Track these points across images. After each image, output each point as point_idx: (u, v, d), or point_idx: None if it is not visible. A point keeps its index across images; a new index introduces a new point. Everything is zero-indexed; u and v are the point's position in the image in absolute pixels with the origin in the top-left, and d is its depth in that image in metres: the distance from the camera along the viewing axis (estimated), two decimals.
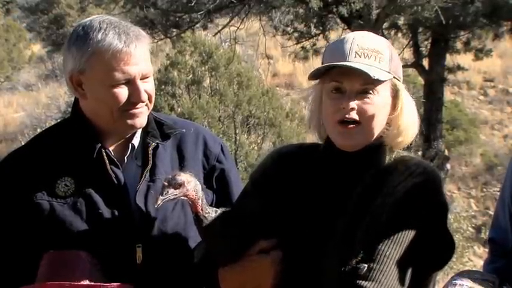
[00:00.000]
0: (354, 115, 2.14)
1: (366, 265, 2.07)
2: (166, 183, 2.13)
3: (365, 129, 2.16)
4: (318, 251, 2.14)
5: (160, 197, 2.12)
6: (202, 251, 2.29)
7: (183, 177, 2.15)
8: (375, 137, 2.19)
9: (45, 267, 2.25)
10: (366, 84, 2.14)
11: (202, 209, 2.18)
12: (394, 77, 2.20)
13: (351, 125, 2.15)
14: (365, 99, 2.15)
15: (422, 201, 2.13)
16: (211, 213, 2.19)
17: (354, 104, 2.13)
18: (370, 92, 2.15)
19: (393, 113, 2.21)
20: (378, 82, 2.14)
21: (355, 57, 2.14)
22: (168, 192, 2.12)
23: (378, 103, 2.16)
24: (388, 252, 2.09)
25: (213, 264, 2.24)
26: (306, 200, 2.22)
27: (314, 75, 2.20)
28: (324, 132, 2.26)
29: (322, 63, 2.22)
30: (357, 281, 2.07)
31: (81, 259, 2.24)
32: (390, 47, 2.23)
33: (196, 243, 2.37)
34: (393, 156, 2.23)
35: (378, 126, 2.19)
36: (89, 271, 2.23)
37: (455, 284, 2.23)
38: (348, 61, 2.14)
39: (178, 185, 2.13)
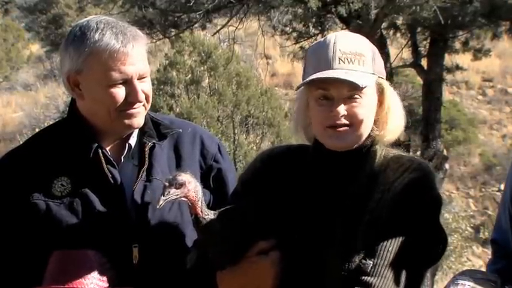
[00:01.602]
0: (344, 120, 2.16)
1: (371, 261, 2.10)
2: (167, 184, 2.12)
3: (356, 131, 2.19)
4: (318, 250, 2.15)
5: (162, 197, 2.11)
6: (195, 255, 2.28)
7: (184, 177, 2.15)
8: (366, 135, 2.22)
9: (53, 266, 2.25)
10: (353, 90, 2.16)
11: (201, 211, 2.17)
12: (378, 77, 2.22)
13: (342, 128, 2.17)
14: (353, 103, 2.17)
15: (419, 197, 2.16)
16: (210, 215, 2.18)
17: (343, 110, 2.16)
18: (357, 96, 2.17)
19: (380, 111, 2.24)
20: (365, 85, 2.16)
21: (339, 63, 2.16)
22: (169, 192, 2.11)
23: (365, 105, 2.19)
24: (390, 248, 2.12)
25: (210, 267, 2.24)
26: (300, 200, 2.23)
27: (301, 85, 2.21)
28: (312, 134, 2.27)
29: (305, 66, 2.24)
30: (363, 277, 2.09)
31: (89, 258, 2.24)
32: (372, 47, 2.25)
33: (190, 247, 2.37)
34: (383, 153, 2.25)
35: (368, 126, 2.21)
36: (96, 270, 2.23)
37: (458, 284, 2.23)
38: (333, 68, 2.15)
39: (180, 185, 2.12)
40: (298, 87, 2.23)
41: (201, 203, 2.17)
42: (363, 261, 2.11)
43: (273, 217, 2.21)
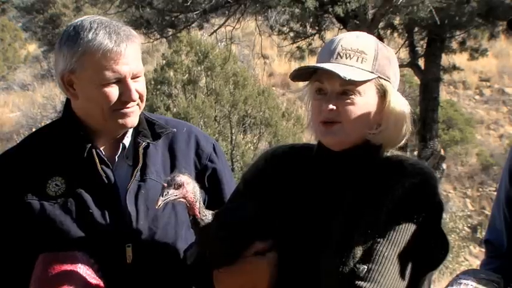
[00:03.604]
0: (333, 116, 2.14)
1: (365, 266, 2.07)
2: (165, 184, 2.11)
3: (345, 128, 2.15)
4: (315, 252, 2.14)
5: (161, 197, 2.10)
6: (195, 253, 2.28)
7: (182, 178, 2.13)
8: (359, 135, 2.18)
9: (40, 269, 2.23)
10: (346, 85, 2.14)
11: (199, 212, 2.16)
12: (379, 77, 2.18)
13: (331, 123, 2.15)
14: (346, 100, 2.15)
15: (419, 202, 2.13)
16: (208, 215, 2.18)
17: (332, 105, 2.14)
18: (351, 92, 2.15)
19: (382, 114, 2.20)
20: (359, 83, 2.14)
21: (336, 58, 2.16)
22: (168, 193, 2.10)
23: (359, 103, 2.15)
24: (386, 253, 2.08)
25: (207, 266, 2.23)
26: (301, 201, 2.21)
27: (294, 77, 2.21)
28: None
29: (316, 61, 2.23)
30: (356, 282, 2.06)
31: (76, 259, 2.23)
32: (378, 48, 2.21)
33: (188, 244, 2.36)
34: (385, 156, 2.23)
35: (361, 126, 2.17)
36: (84, 272, 2.22)
37: (461, 283, 2.22)
38: (330, 62, 2.15)
39: (178, 186, 2.11)
40: (292, 78, 2.22)
41: (199, 204, 2.16)
42: (357, 265, 2.08)
43: (272, 217, 2.21)
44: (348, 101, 2.14)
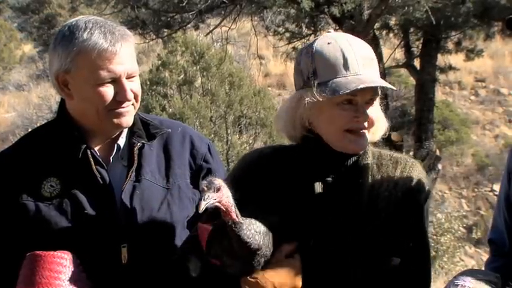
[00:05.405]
0: (366, 124, 2.22)
1: (398, 258, 2.17)
2: (205, 188, 2.04)
3: (369, 133, 2.25)
4: (336, 251, 2.17)
5: (203, 201, 2.02)
6: (199, 264, 2.22)
7: (219, 182, 2.07)
8: None
9: (27, 268, 2.22)
10: (375, 94, 2.22)
11: (237, 216, 2.09)
12: None
13: (361, 132, 2.21)
14: (371, 107, 2.22)
15: (423, 192, 2.26)
16: (245, 221, 2.11)
17: (369, 115, 2.21)
18: (374, 100, 2.23)
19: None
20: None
21: (364, 68, 2.18)
22: (209, 196, 2.03)
23: (377, 108, 2.26)
24: (410, 243, 2.20)
25: (218, 275, 2.16)
26: (302, 201, 2.22)
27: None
28: (299, 132, 2.25)
29: (316, 68, 2.20)
30: (389, 274, 2.16)
31: (62, 260, 2.22)
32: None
33: (181, 250, 2.34)
34: (370, 151, 2.29)
35: None
36: (69, 272, 2.21)
37: (458, 284, 2.23)
38: (360, 74, 2.16)
39: (217, 189, 2.05)
40: (337, 94, 2.17)
41: (235, 208, 2.09)
42: (388, 258, 2.17)
43: (285, 222, 2.19)
44: (374, 107, 2.23)
